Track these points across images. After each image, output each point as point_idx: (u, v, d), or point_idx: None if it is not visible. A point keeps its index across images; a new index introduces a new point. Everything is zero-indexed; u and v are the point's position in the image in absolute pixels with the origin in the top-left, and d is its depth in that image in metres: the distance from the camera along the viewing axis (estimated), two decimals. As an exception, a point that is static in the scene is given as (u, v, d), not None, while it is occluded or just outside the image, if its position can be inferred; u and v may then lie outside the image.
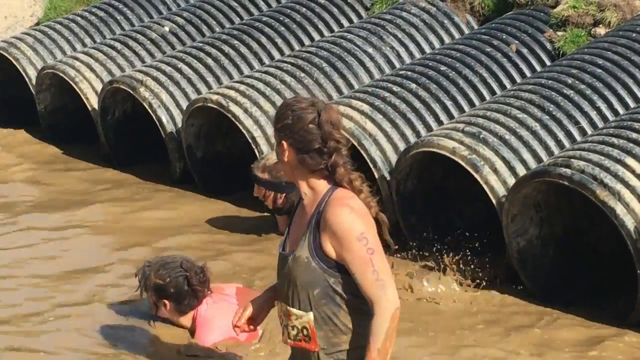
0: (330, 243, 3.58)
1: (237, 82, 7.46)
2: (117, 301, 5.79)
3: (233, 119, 7.17)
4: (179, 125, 7.66)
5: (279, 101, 7.22)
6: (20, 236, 6.83)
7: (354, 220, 3.55)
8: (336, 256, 3.58)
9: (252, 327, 4.01)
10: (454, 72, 7.04)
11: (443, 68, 7.07)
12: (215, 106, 7.25)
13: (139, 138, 8.19)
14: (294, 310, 3.68)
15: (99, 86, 8.23)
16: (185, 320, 5.38)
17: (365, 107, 6.77)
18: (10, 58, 8.84)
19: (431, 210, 6.63)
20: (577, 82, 6.55)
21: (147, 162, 8.13)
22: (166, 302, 5.32)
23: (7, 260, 6.43)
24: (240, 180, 7.26)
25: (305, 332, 3.70)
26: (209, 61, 7.96)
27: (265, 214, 6.99)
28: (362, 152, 6.61)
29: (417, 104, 6.85)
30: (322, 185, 3.65)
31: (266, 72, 7.49)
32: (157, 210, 7.32)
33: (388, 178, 6.56)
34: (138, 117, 8.13)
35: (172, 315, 5.38)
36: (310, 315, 3.66)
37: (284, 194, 6.32)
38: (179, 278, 5.26)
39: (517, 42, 7.29)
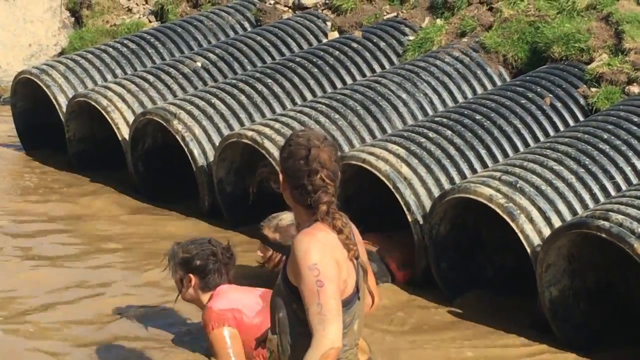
0: (291, 268, 3.61)
1: (271, 119, 7.58)
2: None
3: (267, 156, 7.27)
4: (210, 159, 7.76)
5: (313, 141, 7.33)
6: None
7: (310, 250, 3.54)
8: (295, 282, 3.60)
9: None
10: (488, 122, 7.17)
11: (478, 117, 7.20)
12: (249, 142, 7.35)
13: (167, 170, 8.29)
14: (269, 333, 3.74)
15: (130, 116, 8.34)
16: (206, 298, 5.46)
17: (402, 151, 6.88)
18: (41, 85, 8.93)
19: (462, 256, 6.72)
20: (612, 137, 6.67)
21: (174, 193, 8.21)
22: (191, 276, 5.45)
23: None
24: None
25: (273, 355, 3.72)
26: (242, 98, 8.08)
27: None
28: (396, 195, 6.71)
29: (452, 151, 6.96)
30: (307, 219, 3.70)
31: (301, 112, 7.61)
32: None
33: (421, 222, 6.65)
34: (168, 149, 8.23)
35: (196, 292, 5.48)
36: (275, 338, 3.69)
37: None
38: (207, 251, 5.47)
39: (551, 95, 7.42)
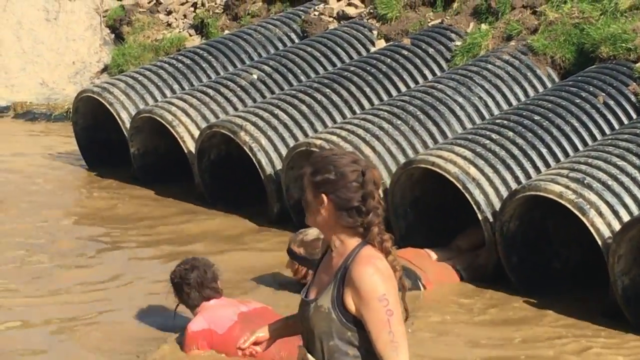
0: (352, 298, 3.61)
1: (338, 127, 7.96)
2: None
3: (337, 163, 7.63)
4: (277, 167, 8.14)
5: (378, 146, 7.74)
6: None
7: (377, 281, 3.57)
8: (355, 312, 3.62)
9: (255, 349, 4.06)
10: (547, 122, 7.56)
11: (537, 117, 7.59)
12: (318, 150, 7.72)
13: (231, 180, 8.67)
14: (309, 357, 3.77)
15: (194, 130, 8.73)
16: (195, 315, 5.95)
17: (468, 153, 7.27)
18: (104, 102, 9.31)
19: (531, 250, 7.11)
20: (670, 132, 7.07)
21: (241, 202, 8.59)
22: (177, 297, 5.98)
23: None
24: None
25: None
26: (304, 108, 8.47)
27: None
28: (466, 195, 7.10)
29: (515, 151, 7.35)
30: (353, 241, 3.67)
31: (364, 119, 8.00)
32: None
33: (491, 220, 7.04)
34: (232, 160, 8.63)
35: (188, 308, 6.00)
36: None
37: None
38: (183, 272, 5.94)
39: (603, 94, 7.82)
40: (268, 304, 6.13)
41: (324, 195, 3.60)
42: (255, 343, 3.98)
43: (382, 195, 3.82)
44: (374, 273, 3.59)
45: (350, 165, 3.63)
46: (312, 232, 6.62)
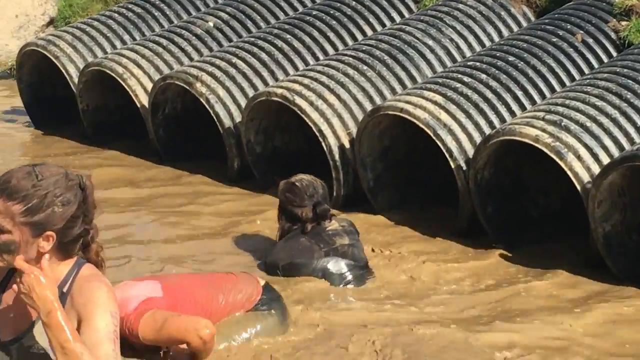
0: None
1: (299, 75, 7.95)
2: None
3: (299, 112, 7.64)
4: (237, 120, 8.12)
5: (343, 94, 7.74)
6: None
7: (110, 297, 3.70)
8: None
9: None
10: (522, 63, 7.57)
11: (511, 58, 7.60)
12: (280, 100, 7.72)
13: (188, 135, 8.66)
14: None
15: (146, 82, 8.69)
16: None
17: (439, 98, 7.28)
18: (50, 56, 9.25)
19: (506, 199, 7.14)
20: (652, 69, 7.11)
21: (198, 158, 8.58)
22: None
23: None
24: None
25: None
26: (263, 56, 8.44)
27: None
28: (437, 142, 7.11)
29: (489, 94, 7.36)
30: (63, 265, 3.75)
31: (328, 66, 7.98)
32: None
33: (464, 168, 7.06)
34: (189, 113, 8.61)
35: None
36: None
37: None
38: None
39: (582, 32, 7.84)
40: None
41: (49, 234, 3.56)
42: None
43: None
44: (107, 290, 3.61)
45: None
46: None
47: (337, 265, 6.21)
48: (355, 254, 6.29)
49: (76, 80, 9.11)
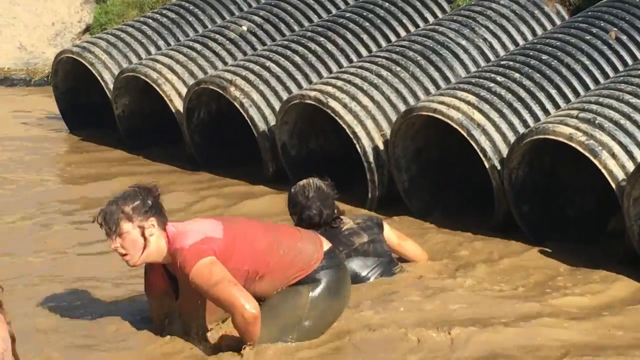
0: None
1: (333, 77, 8.04)
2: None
3: (333, 115, 7.73)
4: (271, 123, 8.23)
5: (377, 95, 7.82)
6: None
7: None
8: None
9: None
10: (556, 61, 7.63)
11: (545, 57, 7.65)
12: (314, 102, 7.81)
13: (223, 139, 8.78)
14: None
15: (181, 88, 8.82)
16: (163, 242, 5.14)
17: (472, 98, 7.35)
18: (85, 62, 9.41)
19: (542, 199, 7.19)
20: (686, 65, 7.14)
21: (233, 162, 8.69)
22: (153, 218, 5.12)
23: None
24: (334, 178, 7.76)
25: None
26: (297, 59, 8.54)
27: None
28: (471, 142, 7.18)
29: (523, 93, 7.42)
30: None
31: (361, 67, 8.07)
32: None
33: (498, 167, 7.12)
34: (224, 117, 8.72)
35: (158, 238, 5.13)
36: None
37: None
38: (144, 191, 5.18)
39: (615, 29, 7.87)
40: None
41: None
42: None
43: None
44: None
45: None
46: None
47: (363, 265, 6.24)
48: (378, 249, 6.26)
49: (111, 86, 9.26)
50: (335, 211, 6.23)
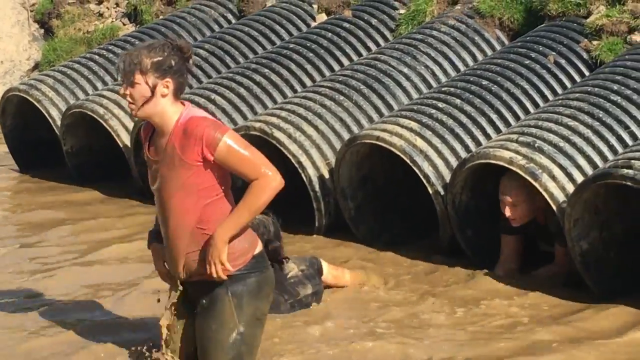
0: None
1: (277, 108, 8.01)
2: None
3: (278, 145, 7.70)
4: (218, 155, 8.17)
5: (321, 125, 7.80)
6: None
7: None
8: None
9: None
10: (496, 86, 7.64)
11: (485, 82, 7.67)
12: (259, 133, 7.77)
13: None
14: None
15: (128, 122, 8.75)
16: (175, 110, 4.78)
17: (414, 125, 7.34)
18: (32, 100, 9.33)
19: (485, 222, 7.18)
20: (622, 87, 7.16)
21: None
22: (170, 80, 4.75)
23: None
24: (280, 207, 7.70)
25: None
26: (242, 91, 8.51)
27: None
28: (414, 168, 7.17)
29: (464, 119, 7.42)
30: None
31: (305, 97, 8.05)
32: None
33: (442, 193, 7.11)
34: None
35: (167, 102, 4.78)
36: None
37: None
38: (175, 49, 4.76)
39: (554, 53, 7.91)
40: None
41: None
42: None
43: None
44: None
45: None
46: None
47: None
48: (319, 299, 6.34)
49: (59, 122, 9.18)
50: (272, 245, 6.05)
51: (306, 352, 5.68)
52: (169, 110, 4.77)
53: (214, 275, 4.76)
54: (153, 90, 4.72)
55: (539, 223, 6.89)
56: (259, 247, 4.92)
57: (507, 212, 6.72)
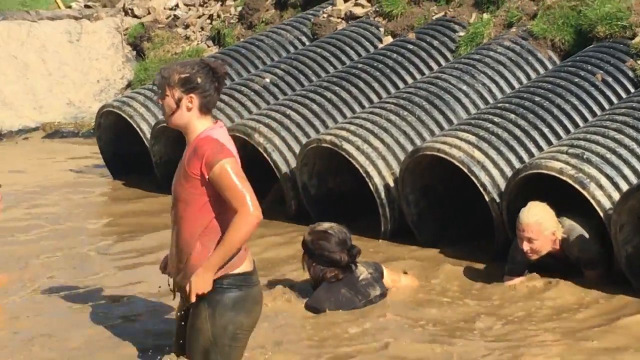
0: None
1: (347, 122, 8.13)
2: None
3: (347, 156, 7.82)
4: (292, 166, 8.32)
5: (387, 138, 7.91)
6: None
7: None
8: None
9: None
10: (547, 102, 7.69)
11: (537, 99, 7.72)
12: (329, 146, 7.90)
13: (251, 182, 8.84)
14: None
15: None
16: (200, 124, 4.91)
17: (472, 138, 7.41)
18: (124, 116, 9.55)
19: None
20: (666, 103, 7.18)
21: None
22: (193, 96, 4.85)
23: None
24: (349, 214, 7.84)
25: None
26: (314, 107, 8.65)
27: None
28: (472, 177, 7.24)
29: (518, 132, 7.48)
30: None
31: (372, 112, 8.16)
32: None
33: (497, 200, 7.18)
34: (250, 161, 8.80)
35: (192, 115, 4.90)
36: None
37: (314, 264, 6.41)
38: (205, 69, 4.85)
39: (601, 72, 7.93)
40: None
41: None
42: None
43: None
44: None
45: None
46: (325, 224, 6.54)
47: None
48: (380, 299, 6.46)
49: (149, 136, 9.38)
50: (354, 251, 6.35)
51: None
52: (194, 123, 4.89)
53: (191, 300, 4.86)
54: (178, 103, 4.82)
55: (554, 254, 6.80)
56: (246, 267, 4.91)
57: (525, 246, 6.61)
